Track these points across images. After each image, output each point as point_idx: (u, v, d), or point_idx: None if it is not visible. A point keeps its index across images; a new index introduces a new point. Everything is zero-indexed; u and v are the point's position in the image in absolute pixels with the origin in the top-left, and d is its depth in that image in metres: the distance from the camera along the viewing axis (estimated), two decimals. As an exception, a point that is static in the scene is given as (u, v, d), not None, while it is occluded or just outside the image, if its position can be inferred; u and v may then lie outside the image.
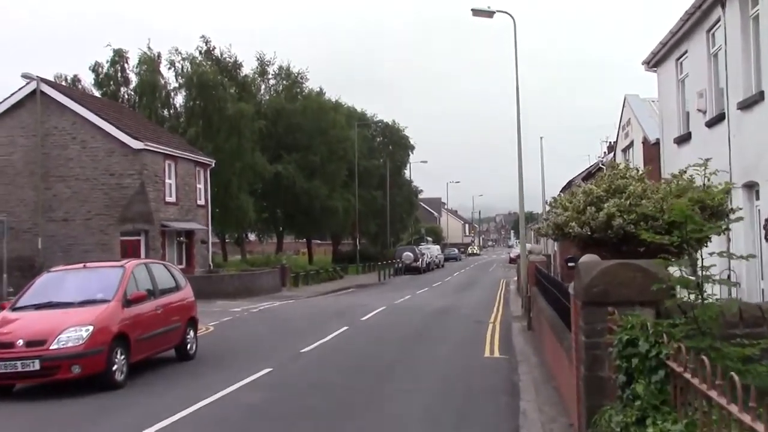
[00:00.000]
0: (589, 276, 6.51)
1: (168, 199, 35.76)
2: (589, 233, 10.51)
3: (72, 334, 10.89)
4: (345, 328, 19.36)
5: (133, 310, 12.15)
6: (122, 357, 11.55)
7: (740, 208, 11.40)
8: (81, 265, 13.50)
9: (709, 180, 5.69)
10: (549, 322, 12.48)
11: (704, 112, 15.81)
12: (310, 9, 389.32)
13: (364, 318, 22.30)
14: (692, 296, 5.36)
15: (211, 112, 45.94)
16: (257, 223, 59.82)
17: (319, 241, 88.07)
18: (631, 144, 28.36)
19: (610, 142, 65.33)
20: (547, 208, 15.83)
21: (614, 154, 36.17)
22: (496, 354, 14.98)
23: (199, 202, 39.31)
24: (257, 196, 55.27)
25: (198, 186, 39.41)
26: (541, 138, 55.64)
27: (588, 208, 10.63)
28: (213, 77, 46.80)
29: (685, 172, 11.39)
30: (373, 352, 15.08)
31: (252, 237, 68.79)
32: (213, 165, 40.74)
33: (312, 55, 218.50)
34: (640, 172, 11.63)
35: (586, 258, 8.35)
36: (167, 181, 35.80)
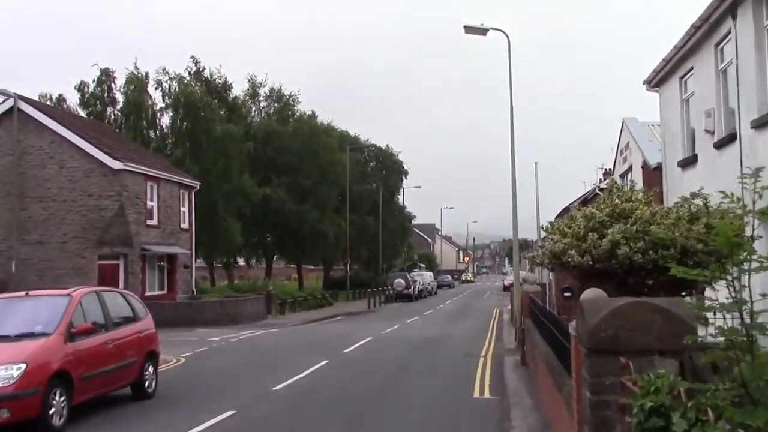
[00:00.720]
0: (596, 317, 5.24)
1: (149, 221, 34.45)
2: (590, 263, 9.28)
3: (1, 373, 9.54)
4: (324, 362, 17.99)
5: (79, 345, 10.81)
6: (62, 399, 10.19)
7: (761, 236, 10.15)
8: (23, 293, 12.15)
9: (760, 196, 4.42)
10: (544, 360, 11.20)
11: (712, 133, 14.64)
12: (303, 31, 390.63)
13: (346, 350, 20.93)
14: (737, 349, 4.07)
15: (199, 133, 44.84)
16: (245, 248, 58.52)
17: (311, 267, 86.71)
18: (630, 169, 27.20)
19: (606, 169, 64.37)
20: (543, 234, 14.71)
21: (612, 179, 35.04)
22: (487, 394, 13.64)
23: (182, 226, 37.99)
24: (245, 220, 53.94)
25: (182, 209, 38.12)
26: (536, 163, 54.52)
27: (589, 234, 9.41)
28: (201, 97, 45.78)
29: (698, 195, 10.20)
30: (350, 392, 13.72)
31: (241, 262, 67.46)
32: (198, 187, 39.48)
33: (305, 79, 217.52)
34: (648, 195, 10.40)
35: (590, 293, 7.10)
36: (149, 203, 34.51)
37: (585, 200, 58.49)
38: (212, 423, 10.69)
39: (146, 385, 12.91)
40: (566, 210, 69.47)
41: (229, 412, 11.45)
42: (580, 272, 9.66)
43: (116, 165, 31.90)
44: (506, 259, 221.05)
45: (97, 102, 48.41)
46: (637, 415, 4.08)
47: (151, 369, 13.12)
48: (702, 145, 15.58)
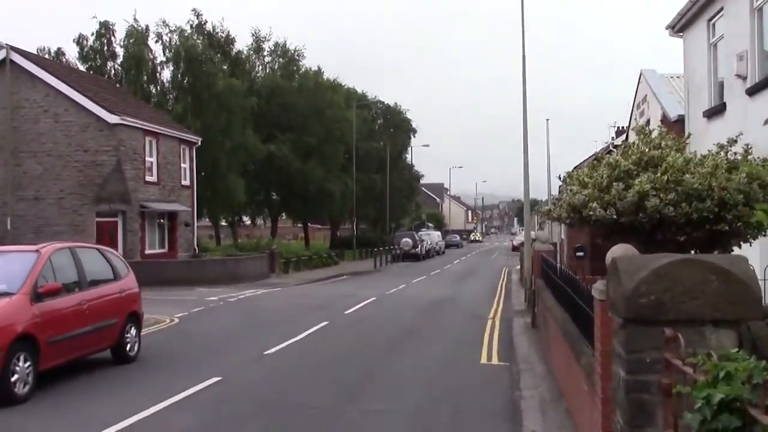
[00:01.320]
0: (635, 279, 4.16)
1: (148, 178, 33.45)
2: (614, 217, 8.18)
3: (-45, 336, 8.60)
4: (324, 323, 17.07)
5: (47, 306, 9.83)
6: (26, 364, 9.24)
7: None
8: (-11, 249, 11.17)
9: None
10: (559, 324, 10.19)
11: (744, 78, 13.41)
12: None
13: (348, 311, 20.01)
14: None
15: (200, 87, 43.53)
16: (250, 206, 57.59)
17: (319, 226, 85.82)
18: (648, 123, 25.87)
19: (619, 127, 62.85)
20: (560, 185, 13.67)
21: (626, 136, 33.73)
22: (495, 360, 12.67)
23: (183, 182, 36.98)
24: (249, 178, 52.90)
25: (183, 165, 37.06)
26: (547, 120, 53.34)
27: (614, 185, 8.29)
28: (203, 51, 44.41)
29: (736, 141, 9.06)
30: (347, 358, 12.77)
31: (247, 221, 66.57)
32: (199, 143, 38.38)
33: (312, 39, 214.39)
34: (680, 141, 9.27)
35: (619, 250, 6.02)
36: (147, 158, 33.47)
37: (597, 159, 57.38)
38: (192, 391, 9.76)
39: (128, 348, 11.98)
40: (578, 167, 68.29)
41: (214, 379, 10.52)
42: (601, 227, 8.57)
43: (113, 119, 30.80)
44: (515, 219, 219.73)
45: (97, 56, 47.05)
46: (702, 410, 3.03)
47: (133, 331, 12.19)
48: (732, 91, 14.36)
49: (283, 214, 66.75)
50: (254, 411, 8.84)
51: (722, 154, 8.69)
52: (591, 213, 8.20)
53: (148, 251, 33.39)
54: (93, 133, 31.02)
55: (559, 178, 10.97)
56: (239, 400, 9.41)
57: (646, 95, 26.58)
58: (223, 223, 62.38)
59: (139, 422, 8.31)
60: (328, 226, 75.03)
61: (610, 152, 41.58)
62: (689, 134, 11.02)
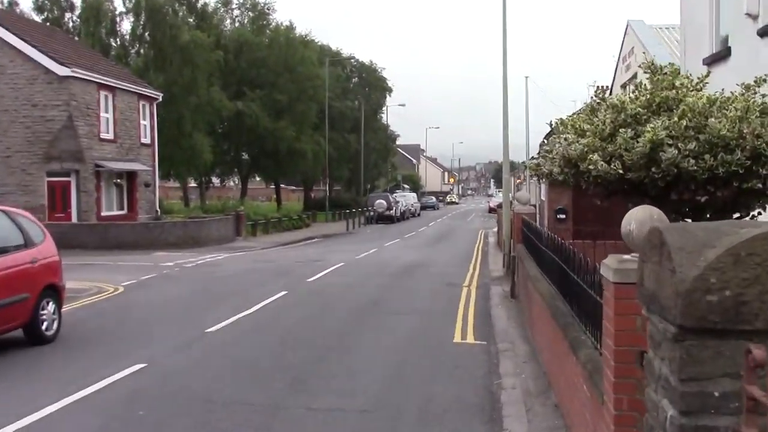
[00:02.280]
0: (698, 263, 2.51)
1: (104, 135, 31.38)
2: (619, 172, 6.55)
3: None
4: (282, 293, 15.44)
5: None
6: None
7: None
8: None
9: None
10: (546, 300, 8.66)
11: (755, 17, 11.77)
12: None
13: (311, 279, 18.36)
14: None
15: (162, 40, 41.25)
16: (219, 166, 55.52)
17: (293, 188, 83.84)
18: (635, 76, 24.32)
19: (600, 86, 61.43)
20: (544, 138, 12.05)
21: (610, 92, 32.13)
22: (470, 338, 11.11)
23: (143, 140, 34.92)
24: (217, 137, 50.82)
25: (142, 122, 34.97)
26: (526, 78, 51.69)
27: (620, 132, 6.65)
28: (165, 2, 41.95)
29: (766, 80, 7.44)
30: (303, 335, 11.17)
31: (217, 182, 64.42)
32: (160, 99, 36.25)
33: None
34: (701, 78, 7.64)
35: (642, 213, 4.40)
36: (102, 114, 31.37)
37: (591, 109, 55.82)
38: (106, 383, 8.11)
39: (44, 327, 10.27)
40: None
41: (138, 366, 8.87)
42: (599, 186, 6.94)
43: (63, 71, 28.64)
44: (492, 181, 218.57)
45: (54, 7, 44.53)
46: None
47: (50, 307, 10.46)
48: (738, 35, 12.73)
49: (256, 175, 64.80)
50: (174, 411, 7.21)
51: (752, 93, 7.08)
52: (591, 167, 6.56)
53: (105, 213, 31.48)
54: (41, 87, 28.86)
55: (550, 124, 9.32)
56: (159, 395, 7.76)
57: (633, 47, 24.96)
58: (194, 185, 60.41)
59: (26, 428, 6.65)
60: (302, 188, 73.20)
61: (593, 109, 40.14)
62: (709, 72, 9.33)
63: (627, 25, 26.04)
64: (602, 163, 6.54)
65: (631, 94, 7.13)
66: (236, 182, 64.34)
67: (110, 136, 31.83)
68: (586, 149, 6.67)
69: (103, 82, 30.91)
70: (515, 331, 11.57)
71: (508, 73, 20.66)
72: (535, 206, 31.59)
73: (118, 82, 32.23)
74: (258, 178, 69.17)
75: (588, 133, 6.98)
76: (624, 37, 26.78)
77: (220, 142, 51.26)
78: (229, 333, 11.18)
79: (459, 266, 22.51)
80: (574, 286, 6.70)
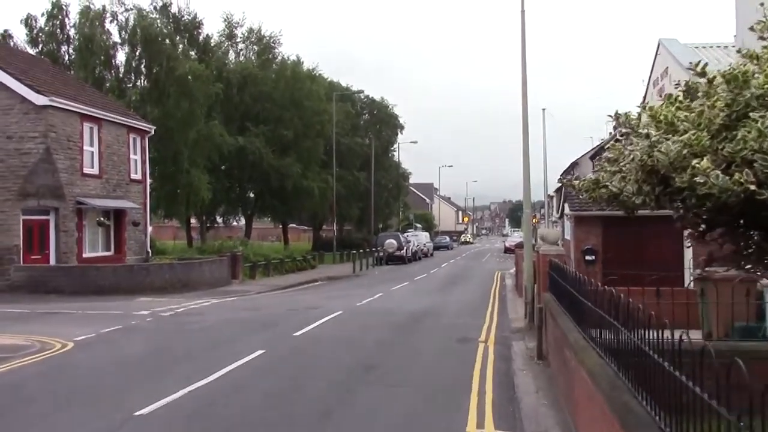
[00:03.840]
0: None
1: (87, 170, 28.92)
2: (750, 188, 3.79)
3: None
4: (258, 353, 12.65)
5: None
6: None
7: None
8: None
9: None
10: (599, 386, 5.89)
11: None
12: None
13: (299, 332, 15.54)
14: None
15: (159, 72, 39.06)
16: (222, 204, 53.07)
17: (305, 228, 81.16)
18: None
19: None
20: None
21: (639, 121, 29.44)
22: (489, 425, 8.25)
23: (133, 176, 32.44)
24: (219, 174, 48.44)
25: (132, 156, 32.52)
26: (543, 110, 49.18)
27: (745, 121, 3.90)
28: (161, 30, 39.91)
29: None
30: (267, 419, 8.35)
31: (221, 221, 61.82)
32: (152, 132, 33.82)
33: (290, 32, 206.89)
34: None
35: None
36: (86, 147, 28.95)
37: (595, 154, 52.78)
38: None
39: None
40: (574, 165, 63.70)
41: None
42: (713, 210, 4.18)
43: (40, 100, 26.31)
44: (506, 220, 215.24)
45: (51, 41, 42.49)
46: None
47: None
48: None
49: (268, 216, 62.26)
50: None
51: None
52: (697, 179, 3.81)
53: (88, 254, 28.91)
54: (17, 117, 26.51)
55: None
56: None
57: (666, 68, 22.29)
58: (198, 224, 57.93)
59: None
60: (312, 228, 70.65)
61: (618, 140, 37.28)
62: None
63: (659, 45, 23.47)
64: (717, 172, 3.78)
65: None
66: (237, 222, 61.71)
67: (95, 171, 29.38)
68: (685, 151, 3.91)
69: (86, 112, 28.56)
70: (549, 412, 8.73)
71: (527, 93, 18.03)
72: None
73: (104, 113, 29.86)
74: (269, 218, 66.54)
75: (681, 129, 4.22)
76: (655, 59, 24.18)
77: (221, 179, 48.85)
78: (164, 418, 8.36)
79: (474, 315, 19.65)
80: (646, 371, 3.93)
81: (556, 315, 10.20)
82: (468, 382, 10.43)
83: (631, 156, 4.57)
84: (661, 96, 24.06)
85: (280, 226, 65.95)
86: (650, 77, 24.92)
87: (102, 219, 29.99)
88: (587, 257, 20.60)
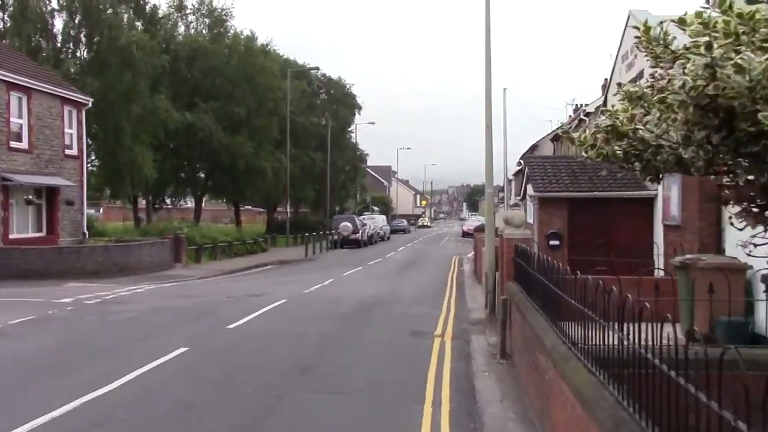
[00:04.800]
0: None
1: (15, 144, 26.67)
2: None
3: None
4: (180, 351, 10.93)
5: None
6: None
7: None
8: None
9: None
10: (575, 391, 4.38)
11: None
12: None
13: (234, 324, 13.83)
14: None
15: (99, 42, 36.63)
16: (170, 184, 50.74)
17: (260, 210, 78.82)
18: (640, 74, 20.30)
19: (578, 105, 57.47)
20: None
21: (605, 98, 28.14)
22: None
23: (68, 152, 30.18)
24: (168, 152, 46.12)
25: (68, 131, 30.26)
26: (504, 89, 47.83)
27: None
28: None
29: None
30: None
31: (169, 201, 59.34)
32: (90, 104, 31.55)
33: (249, 12, 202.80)
34: None
35: None
36: (14, 119, 26.70)
37: (556, 136, 51.63)
38: None
39: None
40: (534, 147, 62.44)
41: None
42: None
43: (-41, 67, 24.01)
44: (464, 204, 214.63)
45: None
46: None
47: None
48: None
49: (222, 198, 59.97)
50: None
51: None
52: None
53: (15, 235, 26.70)
54: (-67, 85, 24.18)
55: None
56: None
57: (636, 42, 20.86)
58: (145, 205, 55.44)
59: None
60: (266, 210, 68.53)
61: (582, 120, 35.69)
62: None
63: (628, 17, 22.06)
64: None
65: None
66: (185, 201, 59.29)
67: (23, 145, 27.14)
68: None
69: (13, 81, 26.26)
70: (518, 429, 7.19)
71: (491, 60, 16.48)
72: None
73: (34, 82, 27.57)
74: (223, 200, 64.28)
75: (721, 31, 2.63)
76: (624, 31, 22.83)
77: (169, 157, 46.55)
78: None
79: (429, 304, 18.12)
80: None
81: (525, 310, 8.69)
82: (421, 388, 8.87)
83: (681, 82, 2.97)
84: (630, 69, 22.75)
85: (233, 208, 63.78)
86: (618, 51, 23.55)
87: (31, 197, 27.76)
88: (551, 242, 19.19)
